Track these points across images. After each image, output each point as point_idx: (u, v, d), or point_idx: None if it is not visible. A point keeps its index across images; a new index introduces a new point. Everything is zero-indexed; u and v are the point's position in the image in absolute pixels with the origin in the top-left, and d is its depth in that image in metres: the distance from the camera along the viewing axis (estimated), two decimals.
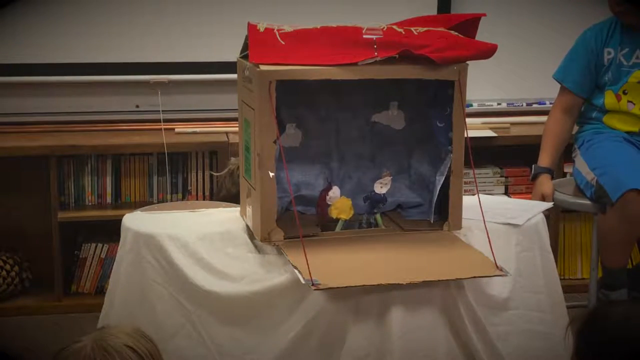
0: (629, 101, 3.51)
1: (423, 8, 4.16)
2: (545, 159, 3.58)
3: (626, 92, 3.51)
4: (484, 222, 2.47)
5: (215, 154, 4.16)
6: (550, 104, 3.83)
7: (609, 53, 3.52)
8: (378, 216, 2.62)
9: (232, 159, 3.51)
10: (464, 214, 2.56)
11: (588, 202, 3.46)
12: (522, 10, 4.53)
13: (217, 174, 3.77)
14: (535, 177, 3.56)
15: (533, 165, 3.60)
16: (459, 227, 2.56)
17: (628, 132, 3.52)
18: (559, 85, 3.68)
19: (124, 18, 4.22)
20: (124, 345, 1.92)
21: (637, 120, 3.52)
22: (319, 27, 2.48)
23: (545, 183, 3.52)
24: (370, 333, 2.36)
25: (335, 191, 2.57)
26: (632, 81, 3.50)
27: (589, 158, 3.49)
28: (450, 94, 2.48)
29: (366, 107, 2.67)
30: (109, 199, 4.17)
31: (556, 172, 3.76)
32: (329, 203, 2.56)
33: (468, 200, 2.57)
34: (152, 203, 4.12)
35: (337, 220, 2.55)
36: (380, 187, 2.62)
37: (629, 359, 1.93)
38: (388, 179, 2.62)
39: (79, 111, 4.28)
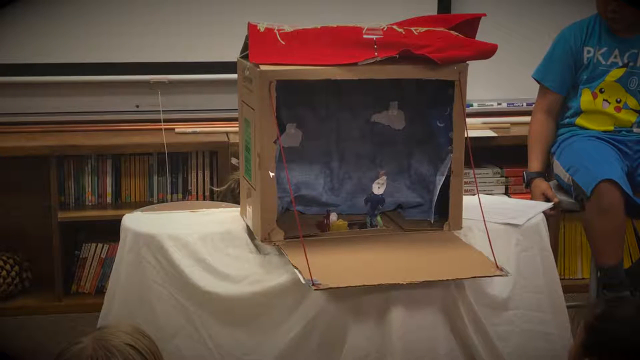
0: (604, 100, 3.52)
1: (423, 8, 4.16)
2: (535, 164, 3.58)
3: (603, 90, 3.52)
4: (484, 222, 2.47)
5: (216, 154, 4.15)
6: None
7: (589, 52, 3.53)
8: (378, 216, 2.63)
9: (233, 174, 3.52)
10: (464, 214, 2.56)
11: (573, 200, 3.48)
12: (522, 10, 4.53)
13: (217, 189, 3.78)
14: (529, 183, 3.56)
15: (524, 172, 3.60)
16: (459, 227, 2.56)
17: (603, 131, 3.52)
18: None
19: (124, 18, 4.22)
20: (125, 344, 1.92)
21: (611, 120, 3.53)
22: (319, 27, 2.48)
23: (541, 184, 3.52)
24: (371, 333, 2.36)
25: (333, 217, 2.60)
26: (609, 80, 3.51)
27: (563, 160, 3.50)
28: (450, 94, 2.48)
29: (366, 107, 2.67)
30: (109, 199, 4.17)
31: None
32: (329, 225, 2.59)
33: (468, 200, 2.57)
34: (152, 203, 4.12)
35: None
36: (378, 188, 2.62)
37: (635, 355, 1.95)
38: (384, 179, 2.63)
39: (79, 111, 4.27)
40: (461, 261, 2.43)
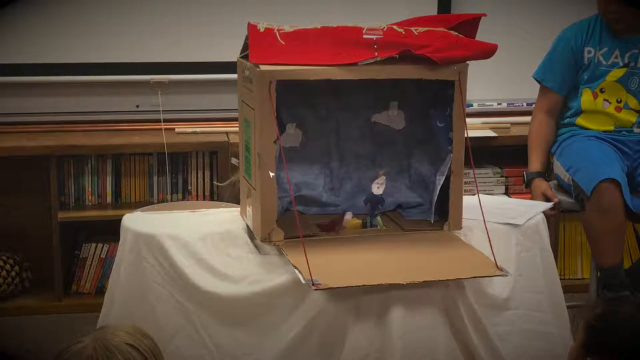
0: (605, 99, 3.52)
1: (423, 8, 4.16)
2: (535, 164, 3.58)
3: (603, 90, 3.52)
4: (484, 222, 2.47)
5: (215, 154, 4.15)
6: None
7: (589, 52, 3.53)
8: (378, 216, 2.63)
9: (235, 172, 3.52)
10: (464, 214, 2.56)
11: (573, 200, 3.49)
12: (522, 10, 4.53)
13: (220, 184, 3.78)
14: (529, 184, 3.57)
15: (524, 172, 3.61)
16: (459, 227, 2.56)
17: (603, 131, 3.53)
18: None
19: (124, 18, 4.22)
20: (126, 343, 1.92)
21: (611, 120, 3.53)
22: (319, 27, 2.48)
23: (541, 184, 3.52)
24: (371, 333, 2.36)
25: (348, 215, 2.60)
26: (609, 80, 3.51)
27: (563, 160, 3.51)
28: (450, 94, 2.48)
29: (366, 107, 2.67)
30: (109, 199, 4.17)
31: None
32: (344, 226, 2.58)
33: (468, 200, 2.57)
34: (152, 203, 4.12)
35: None
36: (377, 188, 2.62)
37: (634, 354, 1.95)
38: (383, 179, 2.63)
39: (79, 111, 4.28)
40: (461, 261, 2.43)
